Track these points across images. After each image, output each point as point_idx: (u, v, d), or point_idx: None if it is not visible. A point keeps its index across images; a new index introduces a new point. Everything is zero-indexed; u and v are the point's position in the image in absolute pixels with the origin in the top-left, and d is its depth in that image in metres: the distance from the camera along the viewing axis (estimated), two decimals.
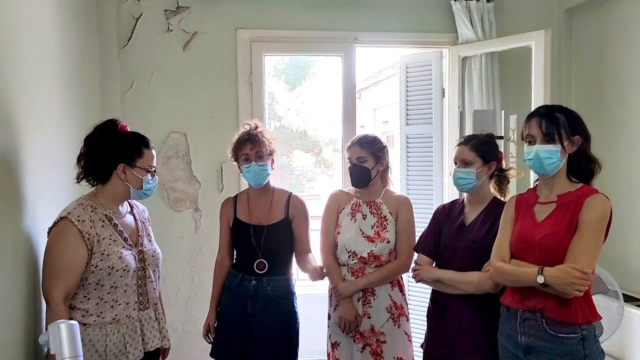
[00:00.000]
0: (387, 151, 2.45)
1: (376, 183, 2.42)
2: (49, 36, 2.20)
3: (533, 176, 2.03)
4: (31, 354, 1.79)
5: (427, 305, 2.30)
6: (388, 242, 2.35)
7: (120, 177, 1.87)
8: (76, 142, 2.32)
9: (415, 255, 2.31)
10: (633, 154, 3.06)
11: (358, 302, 2.35)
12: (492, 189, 2.22)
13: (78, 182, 1.90)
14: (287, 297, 2.36)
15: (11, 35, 1.75)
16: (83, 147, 1.89)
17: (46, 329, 1.57)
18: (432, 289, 2.25)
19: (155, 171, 1.94)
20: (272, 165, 2.37)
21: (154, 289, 1.99)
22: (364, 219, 2.39)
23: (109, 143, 1.87)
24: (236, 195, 2.49)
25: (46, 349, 1.74)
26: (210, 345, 2.42)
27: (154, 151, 1.95)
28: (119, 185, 1.88)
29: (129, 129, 1.94)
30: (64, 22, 2.40)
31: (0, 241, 1.61)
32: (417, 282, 2.27)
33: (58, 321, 1.50)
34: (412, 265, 2.30)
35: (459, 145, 2.23)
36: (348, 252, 2.37)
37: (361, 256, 2.34)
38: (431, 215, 2.35)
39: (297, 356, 2.38)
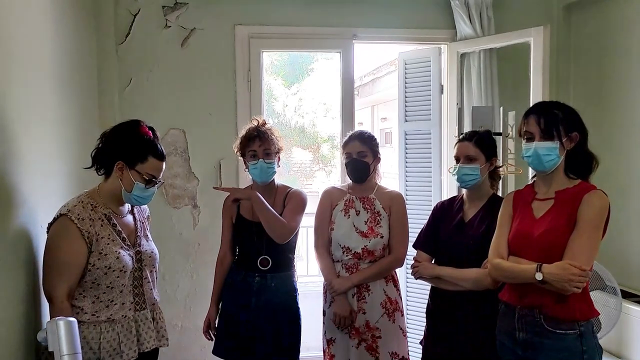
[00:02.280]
0: None
1: (372, 179, 2.43)
2: (46, 32, 2.19)
3: (531, 172, 2.03)
4: (31, 351, 1.79)
5: (426, 302, 2.30)
6: (382, 237, 2.35)
7: (117, 175, 1.86)
8: (74, 138, 2.31)
9: (415, 252, 2.31)
10: (631, 150, 3.06)
11: (353, 298, 2.35)
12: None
13: (88, 168, 1.90)
14: (290, 293, 2.37)
15: (7, 31, 1.74)
16: (100, 137, 1.89)
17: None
18: (432, 286, 2.26)
19: (155, 182, 1.89)
20: (278, 163, 2.37)
21: (151, 289, 1.98)
22: (357, 214, 2.40)
23: (119, 138, 1.86)
24: None
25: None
26: (210, 342, 2.42)
27: (163, 164, 1.91)
28: (116, 184, 1.86)
29: (151, 135, 1.89)
30: (61, 19, 2.39)
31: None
32: (416, 279, 2.27)
33: (56, 318, 1.50)
34: (412, 262, 2.31)
35: (460, 141, 2.22)
36: (342, 248, 2.37)
37: (355, 252, 2.35)
38: (430, 212, 2.36)
39: (299, 352, 2.39)
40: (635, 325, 2.73)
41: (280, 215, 2.30)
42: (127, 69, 3.20)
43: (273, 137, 2.32)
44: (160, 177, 1.92)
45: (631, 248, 3.06)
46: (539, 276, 1.71)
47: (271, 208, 2.26)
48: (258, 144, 2.29)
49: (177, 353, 3.25)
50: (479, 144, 2.15)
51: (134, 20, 3.20)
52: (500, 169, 2.28)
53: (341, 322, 2.32)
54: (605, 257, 2.66)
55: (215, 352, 2.38)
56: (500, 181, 2.38)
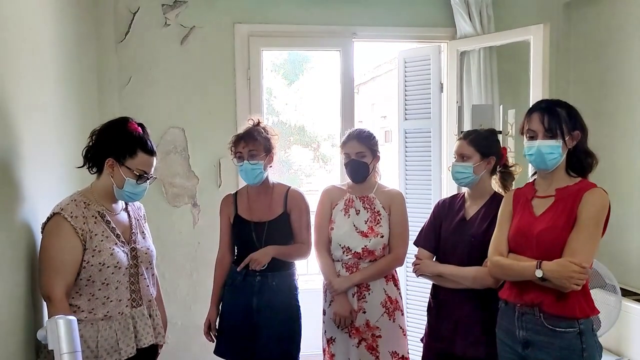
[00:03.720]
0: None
1: (371, 178, 2.43)
2: (46, 31, 2.19)
3: (531, 170, 2.03)
4: (32, 349, 1.79)
5: (427, 299, 2.31)
6: (382, 236, 2.35)
7: (108, 172, 1.85)
8: (73, 136, 2.31)
9: (416, 249, 2.31)
10: (631, 148, 3.06)
11: (353, 297, 2.35)
12: (497, 186, 2.22)
13: (80, 167, 1.90)
14: (291, 292, 2.37)
15: (7, 30, 1.74)
16: (90, 136, 1.89)
17: None
18: (433, 284, 2.26)
19: (146, 178, 1.89)
20: (270, 163, 2.36)
21: (147, 286, 1.98)
22: (357, 214, 2.40)
23: (108, 135, 1.86)
24: (236, 192, 2.48)
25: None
26: (209, 341, 2.42)
27: (154, 159, 1.91)
28: (108, 181, 1.86)
29: (140, 131, 1.89)
30: (61, 17, 2.39)
31: (0, 236, 1.61)
32: (417, 276, 2.27)
33: (56, 317, 1.50)
34: (413, 259, 2.31)
35: (458, 139, 2.23)
36: (342, 247, 2.37)
37: (355, 251, 2.35)
38: (430, 210, 2.36)
39: (300, 350, 2.39)
40: (635, 324, 2.73)
41: (288, 218, 2.35)
42: (126, 68, 3.19)
43: (260, 137, 2.30)
44: (152, 172, 1.92)
45: (631, 246, 3.06)
46: (539, 273, 1.71)
47: (287, 247, 2.35)
48: (242, 146, 2.29)
49: (177, 351, 3.25)
50: (474, 142, 2.15)
51: (133, 19, 3.19)
52: (513, 168, 2.25)
53: (341, 321, 2.32)
54: (605, 256, 2.66)
55: (216, 352, 2.38)
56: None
